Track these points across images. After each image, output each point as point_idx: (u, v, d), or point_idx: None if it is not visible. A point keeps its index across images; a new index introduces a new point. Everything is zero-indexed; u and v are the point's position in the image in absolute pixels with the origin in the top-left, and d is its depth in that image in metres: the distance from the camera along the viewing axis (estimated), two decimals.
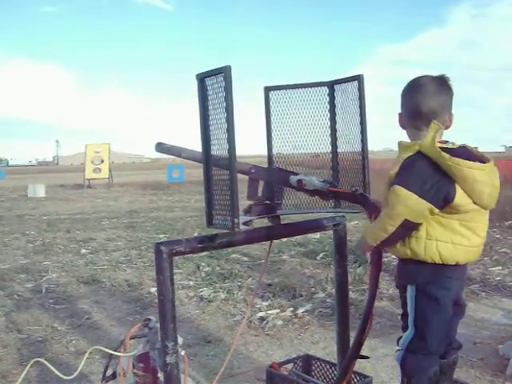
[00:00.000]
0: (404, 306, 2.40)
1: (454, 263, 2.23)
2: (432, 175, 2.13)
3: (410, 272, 2.31)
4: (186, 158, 2.69)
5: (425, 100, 2.24)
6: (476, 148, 2.30)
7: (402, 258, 2.34)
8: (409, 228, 2.18)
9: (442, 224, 2.20)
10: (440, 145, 2.16)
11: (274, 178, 2.57)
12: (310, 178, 2.47)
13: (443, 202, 2.14)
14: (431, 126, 2.18)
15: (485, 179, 2.16)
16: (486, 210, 2.27)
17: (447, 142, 2.25)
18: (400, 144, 2.31)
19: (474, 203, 2.18)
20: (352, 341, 2.58)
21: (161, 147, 2.79)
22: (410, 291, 2.32)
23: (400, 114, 2.37)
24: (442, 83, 2.28)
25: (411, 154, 2.21)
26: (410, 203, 2.11)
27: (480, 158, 2.24)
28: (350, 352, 2.57)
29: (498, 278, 6.05)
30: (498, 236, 8.78)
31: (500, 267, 6.58)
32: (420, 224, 2.18)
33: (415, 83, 2.30)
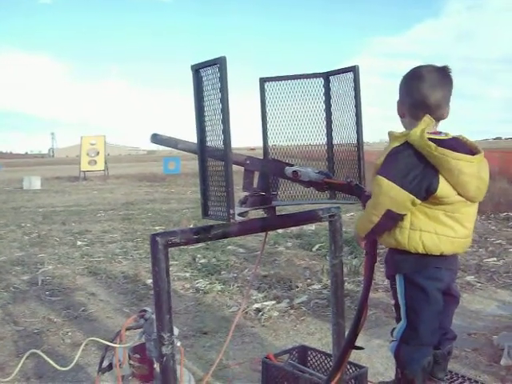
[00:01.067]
0: (395, 296, 2.41)
1: (438, 253, 2.22)
2: (415, 166, 2.12)
3: (397, 261, 2.32)
4: (182, 149, 2.68)
5: (431, 91, 2.21)
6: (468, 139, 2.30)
7: (388, 247, 2.35)
8: (393, 218, 2.18)
9: (427, 214, 2.19)
10: (431, 136, 2.14)
11: (270, 169, 2.57)
12: (306, 169, 2.47)
13: (425, 193, 2.14)
14: (424, 120, 2.17)
15: (471, 171, 2.14)
16: (474, 202, 2.26)
17: (440, 132, 2.24)
18: (390, 134, 2.29)
19: (460, 195, 2.17)
20: (347, 332, 2.59)
21: (156, 138, 2.78)
22: (399, 281, 2.33)
23: (400, 102, 2.33)
24: (445, 75, 2.25)
25: (398, 144, 2.19)
26: (391, 194, 2.12)
27: (473, 150, 2.23)
28: (344, 343, 2.58)
29: (492, 269, 6.08)
30: (493, 227, 8.81)
31: (495, 258, 6.61)
32: (404, 215, 2.19)
33: (420, 73, 2.25)
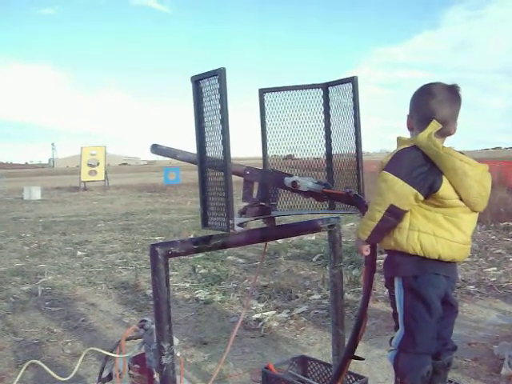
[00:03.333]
0: (394, 305, 2.42)
1: (436, 257, 2.25)
2: (420, 165, 2.20)
3: (395, 263, 2.35)
4: (181, 159, 2.69)
5: (439, 107, 2.30)
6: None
7: (387, 249, 2.38)
8: (395, 215, 2.22)
9: (426, 216, 2.25)
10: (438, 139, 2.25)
11: (269, 179, 2.58)
12: (305, 179, 2.48)
13: (428, 190, 2.20)
14: (431, 124, 2.26)
15: (475, 175, 2.22)
16: (474, 210, 2.30)
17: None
18: (399, 139, 2.38)
19: (461, 200, 2.22)
20: (347, 341, 2.59)
21: (156, 149, 2.79)
22: (398, 287, 2.35)
23: (409, 116, 2.42)
24: (455, 93, 2.35)
25: (406, 146, 2.28)
26: (396, 188, 2.18)
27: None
28: (344, 352, 2.58)
29: (493, 279, 6.07)
30: (493, 237, 8.80)
31: (495, 268, 6.61)
32: (406, 211, 2.23)
33: (429, 89, 2.34)
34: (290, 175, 2.56)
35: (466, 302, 5.22)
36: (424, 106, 2.32)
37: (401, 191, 2.17)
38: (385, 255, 2.49)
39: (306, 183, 2.47)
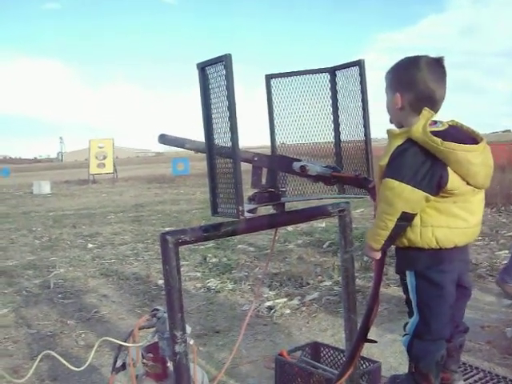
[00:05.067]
0: (406, 291, 2.40)
1: (452, 246, 2.21)
2: (423, 163, 2.10)
3: (409, 258, 2.30)
4: (190, 148, 2.68)
5: (437, 86, 2.20)
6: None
7: (400, 245, 2.31)
8: (408, 219, 2.15)
9: (438, 209, 2.17)
10: (430, 128, 2.12)
11: (277, 165, 2.56)
12: (313, 163, 2.46)
13: (437, 188, 2.12)
14: (423, 114, 2.15)
15: (479, 161, 2.14)
16: (482, 189, 2.25)
17: (436, 122, 2.22)
18: (389, 132, 2.25)
19: (468, 184, 2.16)
20: (359, 326, 2.58)
21: (164, 139, 2.78)
22: (410, 277, 2.31)
23: (399, 95, 2.25)
24: (443, 67, 2.24)
25: (400, 142, 2.16)
26: (405, 195, 2.08)
27: (472, 136, 2.23)
28: (356, 336, 2.57)
29: (504, 262, 6.03)
30: (504, 220, 8.78)
31: (506, 251, 6.57)
32: (417, 213, 2.16)
33: (421, 64, 2.20)
34: (299, 160, 2.54)
35: (477, 286, 5.20)
36: (421, 84, 2.18)
37: (411, 197, 2.09)
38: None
39: (315, 167, 2.43)
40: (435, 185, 2.11)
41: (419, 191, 2.08)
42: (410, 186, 2.08)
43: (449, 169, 2.11)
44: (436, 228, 2.18)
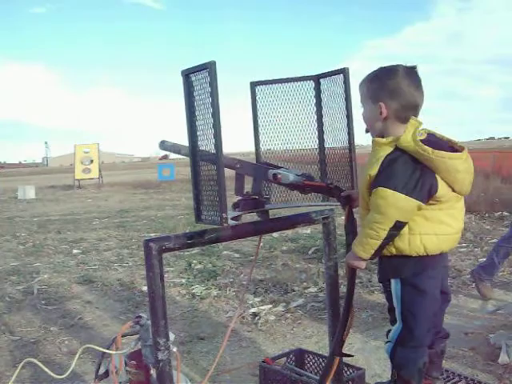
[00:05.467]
0: (389, 299, 2.41)
1: (438, 252, 2.24)
2: (414, 171, 2.12)
3: (394, 266, 2.31)
4: (185, 155, 2.70)
5: (418, 93, 2.24)
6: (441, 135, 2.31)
7: (387, 254, 2.30)
8: (399, 228, 2.16)
9: (425, 216, 2.19)
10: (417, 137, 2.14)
11: (256, 172, 2.56)
12: (289, 172, 2.45)
13: (428, 197, 2.15)
14: (411, 123, 2.16)
15: (465, 168, 2.19)
16: (462, 196, 2.30)
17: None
18: (375, 141, 2.26)
19: (453, 191, 2.20)
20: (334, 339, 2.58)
21: (164, 145, 2.86)
22: (395, 285, 2.32)
23: (382, 104, 2.24)
24: (418, 74, 2.28)
25: (389, 151, 2.18)
26: (399, 204, 2.09)
27: (448, 144, 2.26)
28: (331, 351, 2.57)
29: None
30: (487, 227, 8.84)
31: None
32: (408, 222, 2.17)
33: (400, 73, 2.23)
34: (278, 167, 2.55)
35: (461, 293, 5.23)
36: (406, 91, 2.20)
37: (404, 206, 2.09)
38: None
39: (288, 176, 2.41)
40: (426, 193, 2.14)
41: (412, 200, 2.10)
42: (403, 195, 2.09)
43: (437, 177, 2.14)
44: (424, 235, 2.21)
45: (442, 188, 2.16)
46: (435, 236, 2.21)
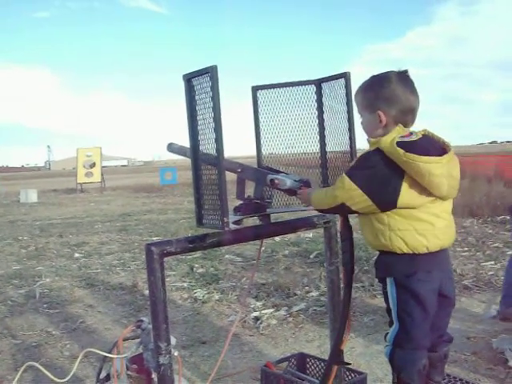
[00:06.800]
0: (386, 300, 2.41)
1: (425, 250, 2.21)
2: (379, 169, 2.14)
3: (386, 263, 2.32)
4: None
5: (414, 98, 2.26)
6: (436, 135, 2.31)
7: (378, 250, 2.34)
8: (345, 210, 2.25)
9: (402, 215, 2.19)
10: (403, 139, 2.16)
11: (256, 177, 2.56)
12: (285, 177, 2.45)
13: (385, 202, 2.17)
14: (396, 129, 2.20)
15: (442, 172, 2.15)
16: (447, 200, 2.27)
17: (411, 134, 2.23)
18: (369, 141, 2.30)
19: (432, 195, 2.18)
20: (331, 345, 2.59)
21: (171, 148, 2.88)
22: (390, 285, 2.32)
23: (381, 112, 2.25)
24: (410, 78, 2.29)
25: (372, 149, 2.22)
26: (351, 194, 2.16)
27: (442, 146, 2.25)
28: (329, 359, 2.57)
29: (490, 273, 6.07)
30: (490, 231, 8.82)
31: (492, 262, 6.61)
32: (355, 212, 2.24)
33: (393, 79, 2.25)
34: (278, 172, 2.55)
35: (464, 297, 5.23)
36: (402, 97, 2.23)
37: (353, 195, 2.16)
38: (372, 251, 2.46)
39: (285, 181, 2.43)
40: (384, 193, 2.16)
41: (365, 197, 2.15)
42: (359, 190, 2.14)
43: (404, 184, 2.13)
44: (403, 231, 2.20)
45: (410, 193, 2.15)
46: (415, 232, 2.20)
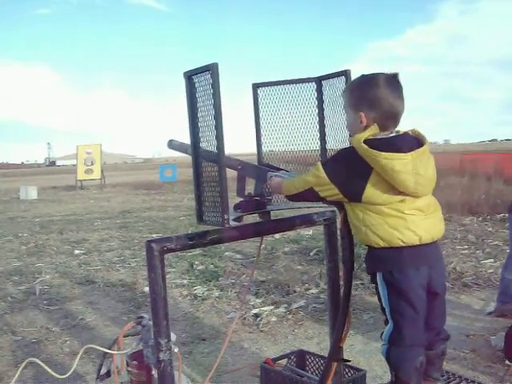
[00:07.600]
0: (380, 300, 2.41)
1: (400, 243, 2.20)
2: (347, 162, 2.22)
3: (374, 258, 2.33)
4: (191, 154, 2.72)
5: (399, 103, 2.26)
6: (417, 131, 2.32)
7: (365, 245, 2.35)
8: (313, 195, 2.30)
9: (374, 210, 2.21)
10: (372, 137, 2.19)
11: (258, 173, 2.57)
12: (285, 174, 2.46)
13: (352, 196, 2.22)
14: (371, 128, 2.22)
15: (405, 169, 2.15)
16: (419, 197, 2.25)
17: (392, 131, 2.27)
18: (349, 140, 2.35)
19: (400, 192, 2.19)
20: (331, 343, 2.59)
21: (172, 144, 2.88)
22: (380, 283, 2.32)
23: (361, 114, 2.26)
24: (399, 82, 2.29)
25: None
26: (321, 181, 2.22)
27: (421, 142, 2.26)
28: (328, 356, 2.57)
29: (490, 271, 6.09)
30: (489, 229, 8.84)
31: (492, 260, 6.63)
32: (323, 198, 2.30)
33: (380, 81, 2.24)
34: (281, 169, 2.56)
35: (463, 294, 5.24)
36: (384, 101, 2.22)
37: (323, 184, 2.22)
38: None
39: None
40: (348, 184, 2.21)
41: (332, 185, 2.21)
42: (328, 179, 2.21)
43: (372, 180, 2.16)
44: (375, 225, 2.22)
45: (376, 188, 2.17)
46: (387, 225, 2.21)
